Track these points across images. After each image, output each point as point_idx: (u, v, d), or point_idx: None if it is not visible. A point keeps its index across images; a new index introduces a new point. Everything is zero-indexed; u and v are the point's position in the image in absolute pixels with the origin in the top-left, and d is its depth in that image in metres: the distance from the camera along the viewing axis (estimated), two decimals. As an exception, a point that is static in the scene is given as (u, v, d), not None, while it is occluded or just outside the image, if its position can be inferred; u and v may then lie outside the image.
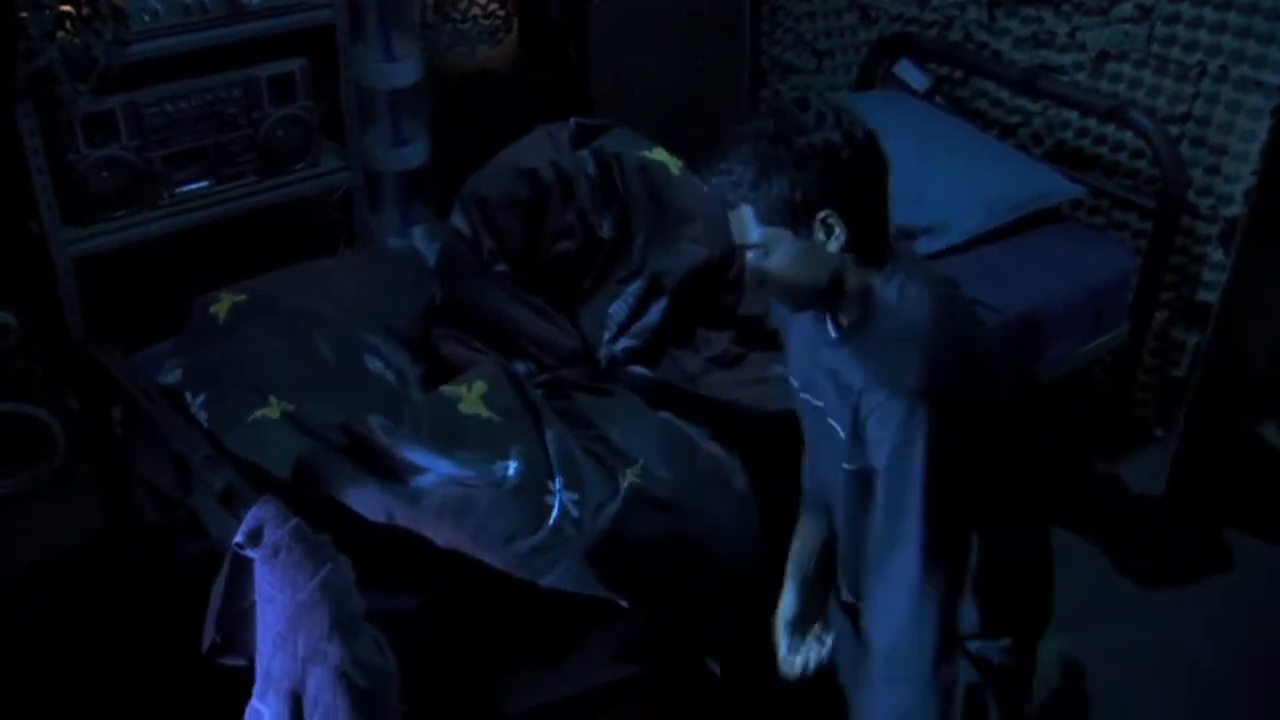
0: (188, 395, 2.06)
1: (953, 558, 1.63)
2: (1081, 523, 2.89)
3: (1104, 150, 3.17)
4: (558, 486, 1.91)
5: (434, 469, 1.89)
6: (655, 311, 2.29)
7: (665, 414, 2.13)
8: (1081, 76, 3.11)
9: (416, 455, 1.91)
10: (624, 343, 2.27)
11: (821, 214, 1.54)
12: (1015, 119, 3.32)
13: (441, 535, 1.84)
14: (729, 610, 2.07)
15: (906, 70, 3.37)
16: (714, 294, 2.37)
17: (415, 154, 3.24)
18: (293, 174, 2.91)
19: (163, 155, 2.68)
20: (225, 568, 1.74)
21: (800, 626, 1.90)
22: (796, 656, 1.88)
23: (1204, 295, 3.05)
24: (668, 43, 3.69)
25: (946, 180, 2.88)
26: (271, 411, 1.96)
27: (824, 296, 1.63)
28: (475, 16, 3.41)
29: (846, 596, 1.86)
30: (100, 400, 2.27)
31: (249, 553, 1.67)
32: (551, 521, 1.88)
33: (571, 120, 2.43)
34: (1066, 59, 3.13)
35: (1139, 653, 2.68)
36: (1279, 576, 2.87)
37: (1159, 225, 2.84)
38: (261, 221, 3.06)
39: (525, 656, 2.00)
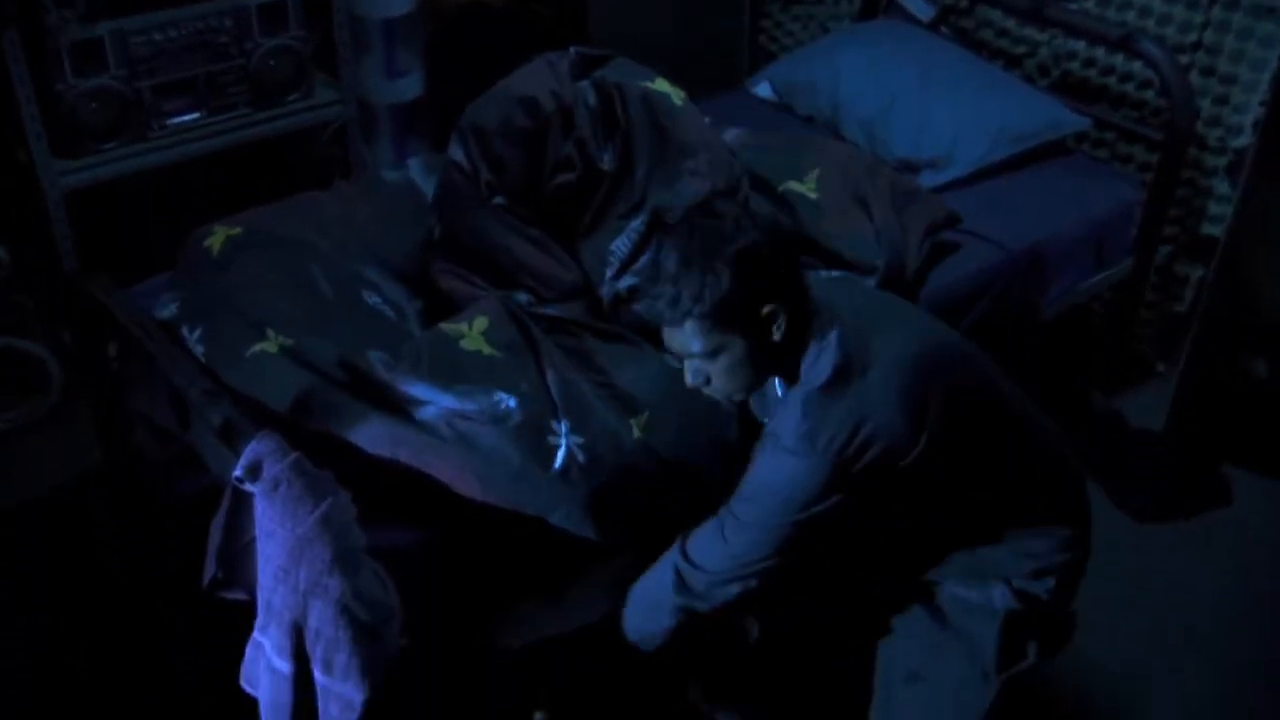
0: (184, 329, 2.05)
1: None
2: (1081, 457, 2.90)
3: (1111, 81, 3.12)
4: (564, 429, 1.90)
5: (436, 402, 1.88)
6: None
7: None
8: (1090, 4, 3.06)
9: (417, 389, 1.90)
10: (626, 280, 2.24)
11: (765, 309, 1.63)
12: (1021, 49, 3.26)
13: (445, 471, 1.83)
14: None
15: (910, -1, 3.32)
16: (716, 228, 2.34)
17: (410, 86, 3.19)
18: (285, 106, 2.87)
19: (152, 86, 2.65)
20: (225, 502, 1.73)
21: None
22: None
23: (1209, 229, 3.02)
24: (668, -27, 3.63)
25: (950, 112, 2.84)
26: (269, 346, 1.95)
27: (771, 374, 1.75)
28: (470, -57, 3.34)
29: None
30: (95, 335, 2.25)
31: (249, 487, 1.67)
32: (558, 465, 1.88)
33: (572, 49, 2.37)
34: (1075, -14, 3.08)
35: (1137, 586, 2.69)
36: (1275, 512, 2.89)
37: (1166, 157, 2.81)
38: (256, 156, 3.03)
39: (525, 591, 2.00)
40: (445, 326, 2.05)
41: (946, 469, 1.70)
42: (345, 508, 1.67)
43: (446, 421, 1.87)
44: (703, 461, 1.98)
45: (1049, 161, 2.92)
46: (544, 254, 2.24)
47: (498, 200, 2.25)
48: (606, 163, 2.27)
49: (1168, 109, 2.81)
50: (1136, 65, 3.00)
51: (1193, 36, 2.92)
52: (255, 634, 1.73)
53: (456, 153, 2.27)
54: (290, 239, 2.19)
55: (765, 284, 1.63)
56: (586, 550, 1.95)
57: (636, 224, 2.22)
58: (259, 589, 1.71)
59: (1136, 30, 2.89)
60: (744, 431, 2.01)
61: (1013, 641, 1.84)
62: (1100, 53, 3.10)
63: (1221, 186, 2.97)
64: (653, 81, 2.35)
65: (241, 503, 1.71)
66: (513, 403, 1.89)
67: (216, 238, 2.16)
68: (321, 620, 1.64)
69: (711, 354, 1.66)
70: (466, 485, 1.84)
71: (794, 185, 2.44)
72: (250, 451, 1.67)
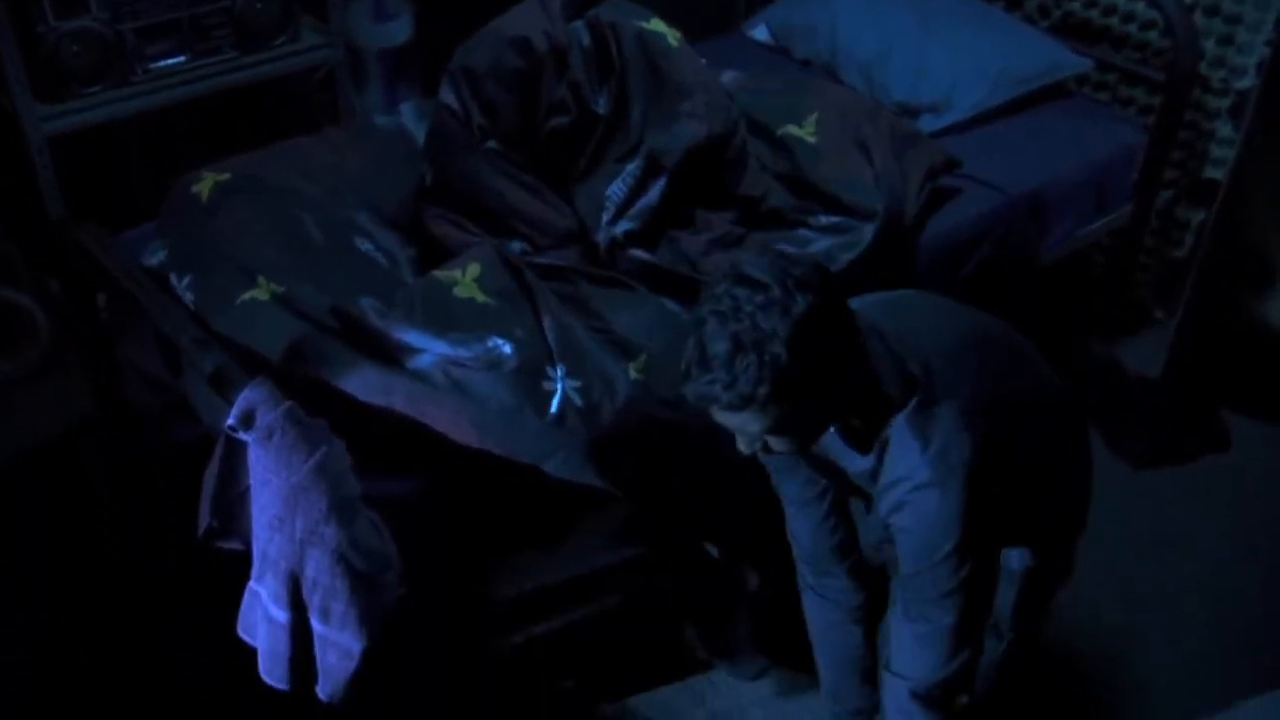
0: (173, 277, 2.02)
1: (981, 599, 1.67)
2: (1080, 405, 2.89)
3: (1114, 21, 3.07)
4: (559, 374, 1.89)
5: (430, 349, 1.86)
6: (654, 192, 2.22)
7: (669, 304, 2.09)
8: (1092, -57, 3.01)
9: (411, 336, 1.88)
10: (623, 225, 2.21)
11: (828, 369, 1.48)
12: (1022, -10, 3.21)
13: (442, 420, 1.82)
14: (726, 498, 2.05)
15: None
16: (713, 173, 2.30)
17: (400, 30, 3.14)
18: (272, 50, 2.81)
19: (135, 28, 2.59)
20: (218, 451, 1.71)
21: None
22: None
23: (1211, 172, 2.99)
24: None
25: (950, 55, 2.80)
26: (260, 293, 1.92)
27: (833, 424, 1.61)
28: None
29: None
30: (83, 283, 2.22)
31: (242, 436, 1.65)
32: (554, 410, 1.86)
33: (564, -12, 2.33)
34: (1078, -77, 3.02)
35: (1134, 533, 2.70)
36: (1273, 457, 2.88)
37: (1169, 98, 2.77)
38: (243, 102, 2.97)
39: (522, 540, 1.99)
40: (438, 274, 2.02)
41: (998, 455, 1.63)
42: (340, 456, 1.66)
43: (441, 369, 1.85)
44: None
45: (1049, 105, 2.88)
46: (538, 199, 2.21)
47: (490, 144, 2.21)
48: (601, 106, 2.23)
49: (1170, 49, 2.77)
50: (1139, 5, 2.96)
51: (1197, -26, 2.87)
52: (251, 583, 1.72)
53: (447, 96, 2.23)
54: (280, 185, 2.16)
55: (825, 346, 1.47)
56: (583, 498, 1.94)
57: (633, 167, 2.20)
58: (254, 538, 1.70)
59: (1140, -32, 2.85)
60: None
61: (1029, 598, 1.84)
62: (1102, -8, 3.06)
63: (1224, 129, 2.94)
64: (648, 21, 2.31)
65: (235, 452, 1.69)
66: (508, 348, 1.87)
67: (205, 184, 2.12)
68: (319, 569, 1.63)
69: (773, 430, 1.52)
70: (462, 432, 1.82)
71: (792, 129, 2.41)
72: (243, 400, 1.65)
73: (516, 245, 2.16)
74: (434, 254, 2.17)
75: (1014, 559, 1.82)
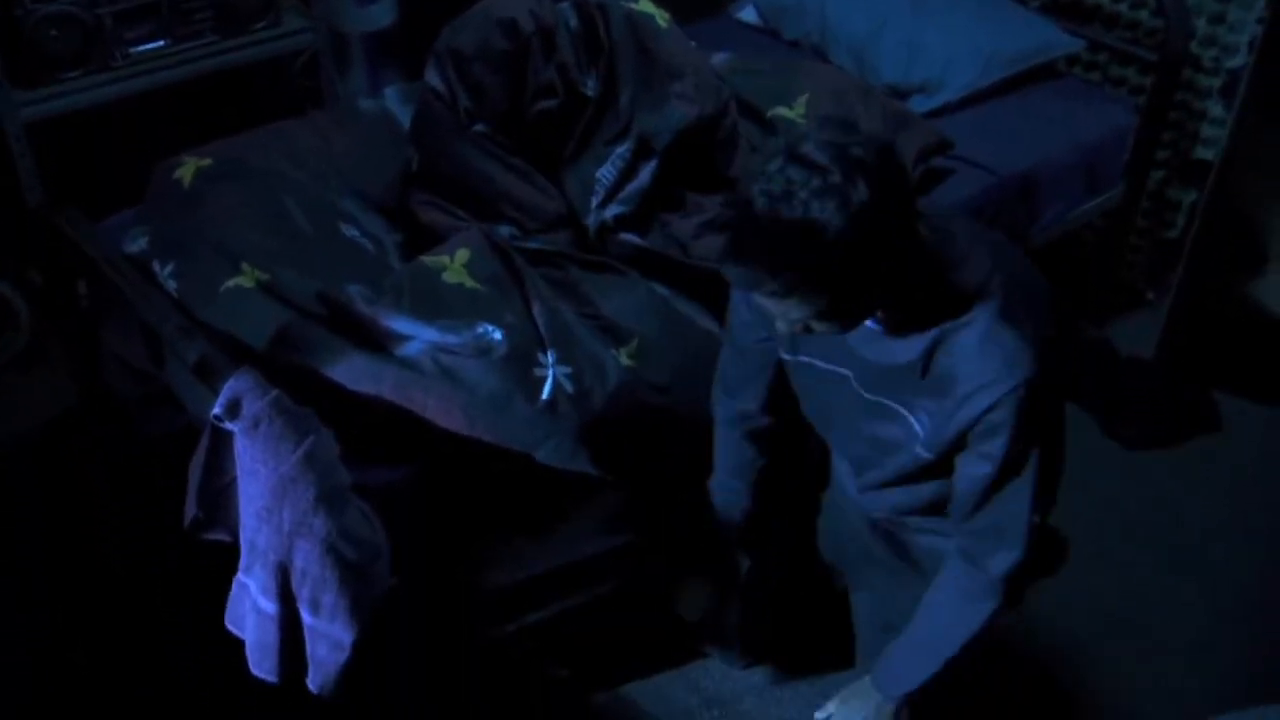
0: (155, 264, 1.99)
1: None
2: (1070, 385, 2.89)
3: (1104, 1, 3.05)
4: (550, 360, 1.87)
5: (419, 336, 1.84)
6: (644, 174, 2.20)
7: (660, 289, 2.07)
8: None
9: (399, 323, 1.85)
10: (613, 209, 2.19)
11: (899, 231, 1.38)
12: (1012, -31, 3.18)
13: (430, 407, 1.79)
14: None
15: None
16: (704, 155, 2.28)
17: (382, 13, 3.10)
18: (253, 34, 2.78)
19: (113, 12, 2.55)
20: (204, 441, 1.68)
21: None
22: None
23: (1202, 152, 2.98)
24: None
25: (941, 35, 2.78)
26: (245, 280, 1.89)
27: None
28: None
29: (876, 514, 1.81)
30: (64, 272, 2.18)
31: (228, 425, 1.62)
32: (545, 396, 1.84)
33: (550, -31, 2.29)
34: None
35: (1126, 514, 2.69)
36: (1266, 438, 2.88)
37: (1160, 77, 2.76)
38: (225, 87, 2.93)
39: (514, 528, 1.97)
40: (426, 259, 1.99)
41: None
42: (328, 445, 1.63)
43: (430, 356, 1.83)
44: (696, 386, 1.94)
45: (1040, 85, 2.87)
46: (526, 183, 2.18)
47: (478, 128, 2.18)
48: (590, 88, 2.20)
49: (1162, 29, 2.75)
50: (1130, -15, 2.94)
51: (1189, -48, 2.85)
52: (239, 575, 1.70)
53: (433, 78, 2.20)
54: (263, 170, 2.13)
55: (882, 240, 1.36)
56: (574, 486, 1.92)
57: (622, 150, 2.17)
58: (241, 529, 1.67)
59: (1132, -54, 2.84)
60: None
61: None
62: (1093, -29, 3.04)
63: (1215, 109, 2.92)
64: (636, 2, 2.28)
65: (221, 442, 1.66)
66: (498, 335, 1.85)
67: (186, 169, 2.09)
68: (308, 560, 1.61)
69: (817, 317, 1.43)
70: (452, 420, 1.80)
71: (783, 110, 2.39)
72: (229, 389, 1.62)
73: (505, 229, 2.13)
74: (421, 239, 2.14)
75: None
